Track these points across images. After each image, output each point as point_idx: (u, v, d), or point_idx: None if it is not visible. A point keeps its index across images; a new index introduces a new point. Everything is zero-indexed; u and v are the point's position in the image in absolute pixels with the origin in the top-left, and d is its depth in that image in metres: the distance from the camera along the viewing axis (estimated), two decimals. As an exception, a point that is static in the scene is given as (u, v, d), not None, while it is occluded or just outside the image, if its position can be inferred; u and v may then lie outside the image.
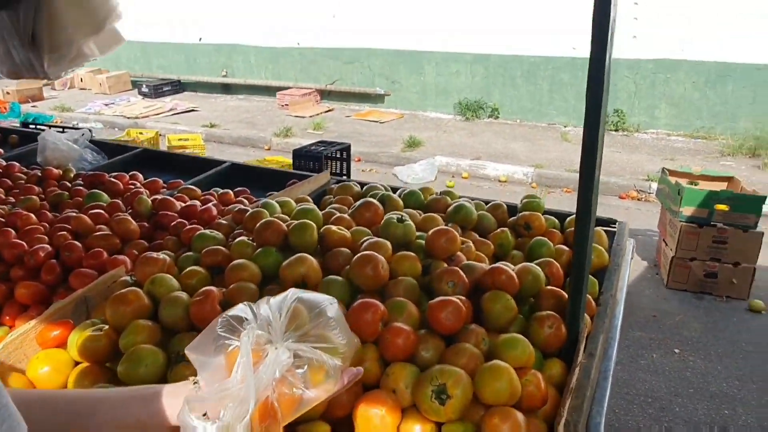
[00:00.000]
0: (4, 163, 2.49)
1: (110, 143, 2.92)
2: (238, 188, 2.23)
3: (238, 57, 10.89)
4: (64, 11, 1.60)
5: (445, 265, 1.38)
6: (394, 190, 2.10)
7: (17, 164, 2.46)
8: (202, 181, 2.35)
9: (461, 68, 8.90)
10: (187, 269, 1.40)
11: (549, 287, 1.33)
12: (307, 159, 4.80)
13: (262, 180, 2.44)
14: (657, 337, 3.52)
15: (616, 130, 7.95)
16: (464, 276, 1.29)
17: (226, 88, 11.19)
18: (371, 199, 1.67)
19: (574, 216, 1.82)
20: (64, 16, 1.60)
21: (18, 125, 6.64)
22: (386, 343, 1.10)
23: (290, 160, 5.84)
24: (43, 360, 1.20)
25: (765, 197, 3.81)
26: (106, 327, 1.21)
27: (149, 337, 1.17)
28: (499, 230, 1.67)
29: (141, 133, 7.67)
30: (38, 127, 6.18)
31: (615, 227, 1.85)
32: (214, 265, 1.45)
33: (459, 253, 1.43)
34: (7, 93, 10.74)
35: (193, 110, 10.05)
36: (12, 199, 2.10)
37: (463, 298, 1.23)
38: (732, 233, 3.82)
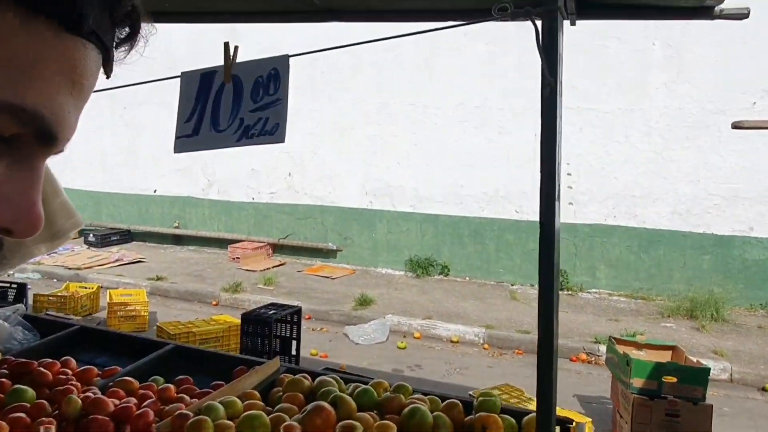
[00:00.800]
0: None
1: (46, 318, 2.76)
2: (180, 377, 2.10)
3: (192, 209, 11.01)
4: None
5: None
6: (347, 381, 2.02)
7: (-64, 346, 2.27)
8: (141, 367, 2.20)
9: (411, 227, 9.24)
10: (113, 498, 1.24)
11: None
12: (257, 323, 4.67)
13: (207, 364, 2.32)
14: None
15: (561, 290, 8.21)
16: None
17: (178, 240, 11.14)
18: (323, 404, 1.59)
19: (533, 415, 1.78)
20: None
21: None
22: None
23: (237, 320, 5.68)
24: None
25: (709, 369, 3.89)
26: None
27: None
28: (456, 437, 1.60)
29: (82, 287, 7.38)
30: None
31: (573, 427, 1.81)
32: (145, 489, 1.30)
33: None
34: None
35: (140, 261, 9.85)
36: None
37: None
38: (683, 405, 3.82)
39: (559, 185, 1.06)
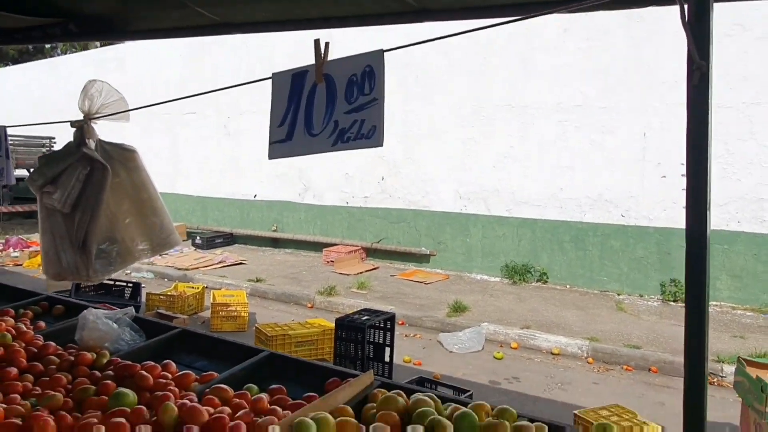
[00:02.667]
0: (42, 342, 2.43)
1: (152, 320, 2.86)
2: (274, 386, 2.07)
3: (289, 213, 11.34)
4: (123, 227, 1.60)
5: None
6: (444, 400, 1.89)
7: (53, 344, 2.40)
8: (237, 373, 2.20)
9: (507, 231, 8.92)
10: None
11: None
12: (350, 329, 4.65)
13: (300, 373, 2.28)
14: None
15: (675, 301, 7.56)
16: None
17: (275, 242, 11.52)
18: (419, 429, 1.46)
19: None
20: (122, 230, 1.61)
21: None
22: None
23: (332, 324, 5.70)
24: None
25: None
26: None
27: None
28: (570, 475, 1.41)
29: (189, 287, 7.79)
30: (91, 307, 6.36)
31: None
32: None
33: None
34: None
35: (241, 263, 10.27)
36: (38, 390, 1.99)
37: None
38: (831, 441, 3.31)
39: (709, 190, 0.87)
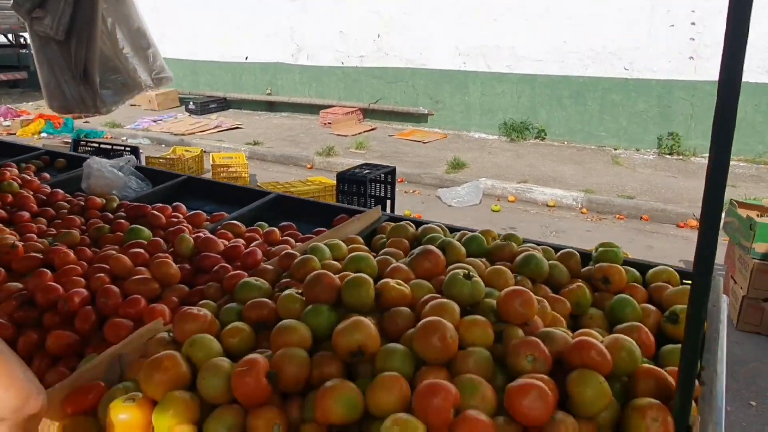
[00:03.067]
0: (49, 189, 2.44)
1: (155, 169, 2.85)
2: (284, 223, 2.11)
3: (282, 76, 10.97)
4: (122, 56, 1.51)
5: (521, 332, 1.20)
6: (452, 230, 1.94)
7: (61, 191, 2.41)
8: (246, 214, 2.23)
9: (506, 88, 8.70)
10: (230, 326, 1.26)
11: (646, 365, 1.14)
12: (351, 182, 4.69)
13: (307, 213, 2.31)
14: (729, 387, 3.22)
15: (671, 154, 7.60)
16: (545, 350, 1.11)
17: (271, 106, 11.27)
18: (432, 248, 1.51)
19: (660, 268, 1.63)
20: (121, 59, 1.52)
21: (71, 140, 6.80)
22: (460, 437, 0.93)
23: (332, 181, 5.76)
24: (69, 431, 1.08)
25: None
26: (140, 396, 1.08)
27: (186, 413, 1.03)
28: (575, 286, 1.48)
29: (187, 151, 7.74)
30: (89, 144, 6.32)
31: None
32: (259, 320, 1.31)
33: (535, 317, 1.25)
34: (61, 109, 11.05)
35: (237, 128, 10.13)
36: (53, 231, 2.03)
37: (547, 378, 1.05)
38: (811, 273, 3.50)
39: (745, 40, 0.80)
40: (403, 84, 9.61)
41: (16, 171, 2.61)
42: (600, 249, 1.67)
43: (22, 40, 13.69)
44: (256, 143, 8.86)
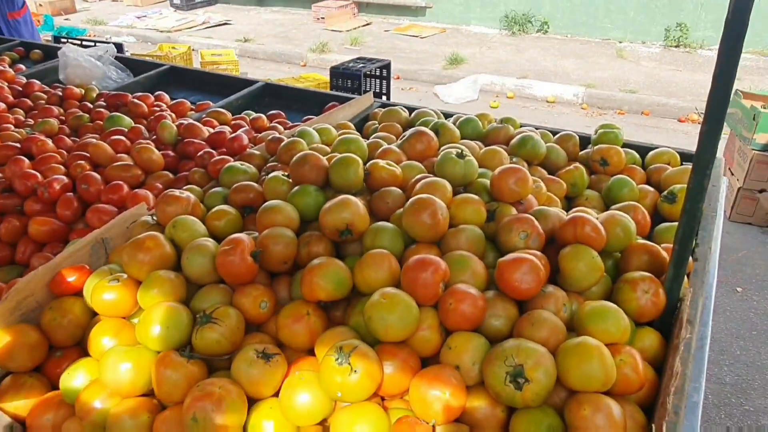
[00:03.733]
0: (24, 80, 2.33)
1: (137, 59, 2.71)
2: (272, 111, 2.02)
3: (272, -35, 10.30)
4: None
5: (514, 211, 1.16)
6: (447, 116, 1.86)
7: (38, 82, 2.30)
8: (233, 103, 2.14)
9: (509, -23, 8.20)
10: (215, 209, 1.22)
11: (640, 241, 1.11)
12: (345, 77, 4.51)
13: (298, 102, 2.22)
14: (717, 274, 3.28)
15: (677, 46, 7.30)
16: (538, 226, 1.08)
17: (261, 1, 10.68)
18: (424, 129, 1.44)
19: (660, 150, 1.57)
20: None
21: (51, 38, 6.47)
22: (448, 309, 0.92)
23: (327, 78, 5.55)
24: (56, 310, 1.07)
25: None
26: (124, 277, 1.06)
27: (171, 291, 1.01)
28: (572, 167, 1.43)
29: (174, 48, 7.41)
30: (71, 41, 6.01)
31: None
32: (245, 204, 1.27)
33: (530, 196, 1.21)
34: (40, 5, 10.48)
35: (226, 23, 9.66)
36: (31, 121, 1.95)
37: (539, 254, 1.02)
38: (812, 164, 3.45)
39: None
40: (399, -26, 9.04)
41: (-12, 62, 2.47)
42: (600, 131, 1.60)
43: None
44: (246, 40, 8.48)
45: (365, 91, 4.60)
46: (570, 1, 7.92)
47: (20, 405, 0.99)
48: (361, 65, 4.62)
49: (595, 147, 1.52)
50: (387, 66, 4.69)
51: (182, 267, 1.06)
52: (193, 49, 7.76)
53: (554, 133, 1.68)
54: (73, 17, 10.53)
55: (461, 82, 6.29)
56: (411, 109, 1.87)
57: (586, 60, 7.06)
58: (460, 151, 1.26)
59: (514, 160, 1.42)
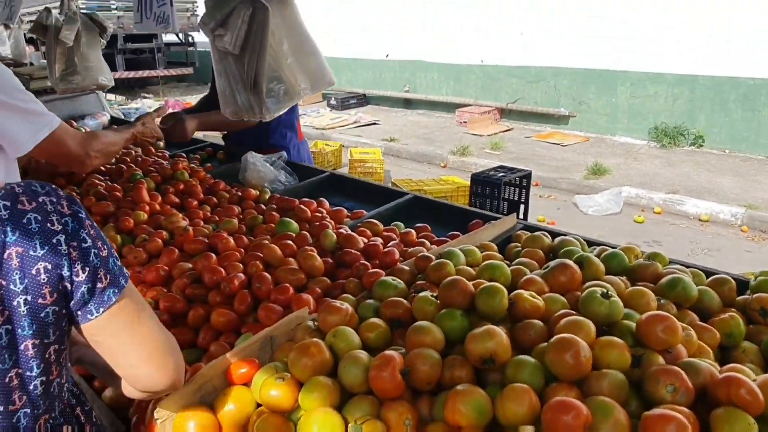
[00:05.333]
0: (212, 180, 2.73)
1: (302, 165, 3.07)
2: (419, 224, 2.18)
3: (421, 73, 11.15)
4: (286, 67, 1.67)
5: (662, 360, 1.15)
6: (590, 243, 1.88)
7: (222, 182, 2.69)
8: (383, 213, 2.34)
9: (660, 90, 8.08)
10: (368, 321, 1.35)
11: (807, 412, 1.04)
12: (486, 184, 4.67)
13: (442, 215, 2.37)
14: None
15: None
16: (688, 380, 1.06)
17: (408, 103, 11.51)
18: (568, 262, 1.49)
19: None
20: (285, 70, 1.68)
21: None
22: (589, 459, 0.93)
23: (466, 182, 5.78)
24: (229, 397, 1.23)
25: None
26: (288, 376, 1.20)
27: (328, 397, 1.13)
28: (727, 315, 1.38)
29: (327, 145, 8.18)
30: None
31: None
32: (394, 317, 1.38)
33: (679, 345, 1.19)
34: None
35: (374, 123, 10.49)
36: (216, 218, 2.28)
37: (688, 411, 1.00)
38: None
39: None
40: (544, 84, 9.32)
41: (186, 162, 2.95)
42: (760, 277, 1.53)
43: (190, 39, 15.16)
44: (392, 139, 9.11)
45: (504, 199, 4.70)
46: (729, 114, 7.59)
47: (190, 480, 1.14)
48: (502, 174, 4.75)
49: (755, 295, 1.45)
50: (528, 176, 4.78)
51: (339, 374, 1.18)
52: (343, 146, 8.49)
53: (707, 273, 1.62)
54: (246, 113, 12.04)
55: (603, 193, 6.18)
56: (554, 235, 1.92)
57: (746, 178, 6.62)
58: (605, 291, 1.28)
59: (663, 302, 1.40)
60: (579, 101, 8.94)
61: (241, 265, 1.73)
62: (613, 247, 1.79)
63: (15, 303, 0.85)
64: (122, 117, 4.48)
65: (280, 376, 1.20)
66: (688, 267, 1.66)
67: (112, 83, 3.23)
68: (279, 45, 1.75)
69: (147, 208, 2.27)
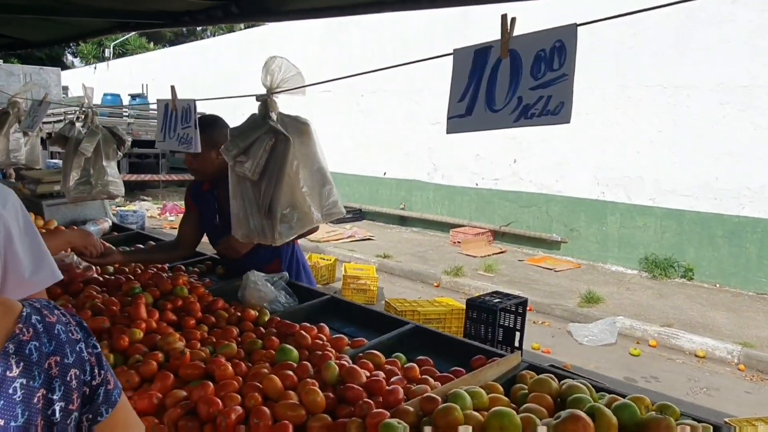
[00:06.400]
0: (211, 297, 2.70)
1: (302, 286, 3.06)
2: (421, 357, 2.13)
3: (417, 192, 11.48)
4: (300, 195, 1.73)
5: None
6: (597, 389, 1.83)
7: (221, 300, 2.65)
8: (385, 342, 2.29)
9: (649, 222, 8.33)
10: (372, 472, 1.27)
11: None
12: (481, 310, 4.64)
13: (442, 348, 2.32)
14: None
15: None
16: None
17: (403, 220, 11.74)
18: (580, 414, 1.44)
19: None
20: (299, 198, 1.74)
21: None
22: None
23: (460, 304, 5.74)
24: None
25: None
26: None
27: None
28: (748, 482, 1.32)
29: (323, 258, 8.21)
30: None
31: None
32: (400, 468, 1.31)
33: None
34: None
35: (369, 239, 10.61)
36: (213, 339, 2.22)
37: None
38: None
39: None
40: (536, 209, 9.59)
41: (186, 277, 2.93)
42: (777, 439, 1.48)
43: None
44: (386, 256, 9.17)
45: (500, 326, 4.66)
46: (717, 250, 7.76)
47: None
48: (498, 300, 4.75)
49: (774, 460, 1.40)
50: (524, 303, 4.79)
51: None
52: (338, 260, 8.51)
53: (716, 427, 1.57)
54: (243, 221, 12.19)
55: (598, 323, 6.14)
56: (560, 377, 1.87)
57: (740, 314, 6.63)
58: (623, 452, 1.23)
59: (680, 463, 1.34)
60: (570, 228, 9.16)
61: (239, 397, 1.66)
62: (623, 394, 1.74)
63: (50, 411, 0.87)
64: (120, 224, 4.52)
65: None
66: (700, 422, 1.61)
67: (122, 194, 3.29)
68: (296, 174, 1.81)
69: (143, 325, 2.22)
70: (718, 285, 7.70)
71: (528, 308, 6.54)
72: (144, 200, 14.54)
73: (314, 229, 2.44)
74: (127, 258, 3.06)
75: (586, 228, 8.99)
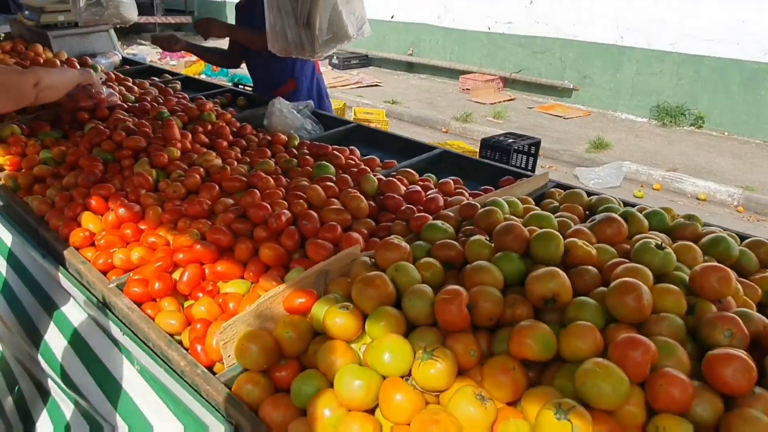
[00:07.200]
0: (239, 123, 2.71)
1: (327, 114, 3.06)
2: (452, 177, 2.20)
3: (426, 37, 11.00)
4: (335, 11, 1.66)
5: (715, 308, 1.20)
6: (626, 204, 1.92)
7: (249, 126, 2.67)
8: (416, 164, 2.35)
9: (666, 68, 8.09)
10: (423, 260, 1.38)
11: None
12: (495, 150, 4.68)
13: (471, 172, 2.38)
14: None
15: None
16: (744, 327, 1.11)
17: (411, 67, 11.39)
18: (615, 216, 1.52)
19: None
20: (335, 14, 1.66)
21: (229, 84, 7.37)
22: (658, 390, 0.98)
23: (470, 146, 5.79)
24: (288, 325, 1.26)
25: None
26: (351, 306, 1.23)
27: (395, 326, 1.16)
28: (766, 273, 1.43)
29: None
30: (245, 87, 6.82)
31: None
32: (447, 260, 1.41)
33: (729, 297, 1.24)
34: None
35: (376, 85, 10.38)
36: (248, 159, 2.28)
37: (746, 354, 1.05)
38: None
39: None
40: (550, 55, 9.27)
41: (211, 104, 2.92)
42: (795, 242, 1.58)
43: (190, -14, 14.77)
44: (393, 102, 9.05)
45: (512, 166, 4.72)
46: (732, 98, 7.64)
47: (253, 398, 1.18)
48: (512, 140, 4.77)
49: (791, 257, 1.51)
50: (537, 144, 4.81)
51: (402, 307, 1.22)
52: (347, 106, 8.41)
53: (742, 238, 1.68)
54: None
55: (605, 167, 6.24)
56: (590, 194, 1.95)
57: (744, 160, 6.71)
58: (659, 242, 1.32)
59: (706, 258, 1.45)
60: (584, 75, 8.92)
61: (285, 203, 1.74)
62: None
63: None
64: (131, 58, 4.38)
65: (344, 305, 1.23)
66: (725, 230, 1.71)
67: (135, 18, 3.15)
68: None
69: (179, 145, 2.26)
70: (726, 133, 7.70)
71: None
72: (142, 44, 13.97)
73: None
74: (189, 46, 3.40)
75: (600, 75, 8.75)
